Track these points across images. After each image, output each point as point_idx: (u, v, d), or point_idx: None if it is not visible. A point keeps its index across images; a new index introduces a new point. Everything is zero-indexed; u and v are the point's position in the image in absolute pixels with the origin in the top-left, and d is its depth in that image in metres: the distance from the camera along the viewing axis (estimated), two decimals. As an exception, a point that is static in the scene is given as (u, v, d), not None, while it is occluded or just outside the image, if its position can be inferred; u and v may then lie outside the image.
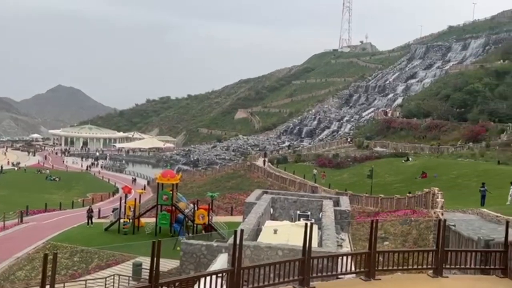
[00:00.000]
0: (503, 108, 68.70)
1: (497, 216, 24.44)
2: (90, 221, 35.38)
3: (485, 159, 52.49)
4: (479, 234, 16.84)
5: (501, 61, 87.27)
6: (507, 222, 10.64)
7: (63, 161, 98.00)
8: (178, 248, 19.35)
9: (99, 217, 39.24)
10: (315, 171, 58.12)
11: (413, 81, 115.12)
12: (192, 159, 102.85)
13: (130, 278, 21.11)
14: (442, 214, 24.44)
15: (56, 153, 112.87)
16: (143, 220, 33.80)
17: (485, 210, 27.09)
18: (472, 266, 10.32)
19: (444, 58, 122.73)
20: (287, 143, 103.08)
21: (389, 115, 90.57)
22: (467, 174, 45.66)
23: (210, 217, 31.99)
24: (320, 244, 15.65)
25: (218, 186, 60.39)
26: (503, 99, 71.81)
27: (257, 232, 17.73)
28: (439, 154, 61.96)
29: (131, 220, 32.35)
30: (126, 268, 23.20)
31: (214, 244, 17.18)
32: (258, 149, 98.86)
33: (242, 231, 8.50)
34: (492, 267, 10.13)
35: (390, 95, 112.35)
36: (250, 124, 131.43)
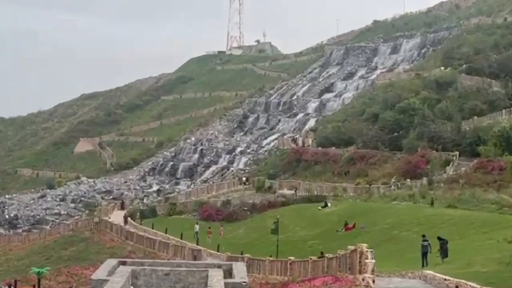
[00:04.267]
0: (446, 132, 72.20)
1: (445, 279, 26.05)
2: None
3: (427, 201, 54.78)
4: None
5: (442, 68, 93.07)
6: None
7: None
8: None
9: None
10: (197, 227, 58.15)
11: (329, 95, 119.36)
12: (7, 216, 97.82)
13: None
14: (374, 282, 25.51)
15: None
16: None
17: (429, 272, 28.70)
18: None
19: (369, 64, 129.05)
20: (155, 187, 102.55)
21: (299, 143, 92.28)
22: (405, 222, 47.73)
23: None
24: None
25: (50, 257, 58.19)
26: (447, 119, 75.74)
27: (109, 324, 17.15)
28: (368, 197, 63.87)
29: None
30: None
31: None
32: (111, 197, 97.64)
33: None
34: None
35: (300, 116, 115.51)
36: (99, 160, 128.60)
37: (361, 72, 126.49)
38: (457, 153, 67.59)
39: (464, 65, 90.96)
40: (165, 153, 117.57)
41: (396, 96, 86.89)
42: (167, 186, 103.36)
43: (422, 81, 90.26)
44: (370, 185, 68.37)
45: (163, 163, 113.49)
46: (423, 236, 34.90)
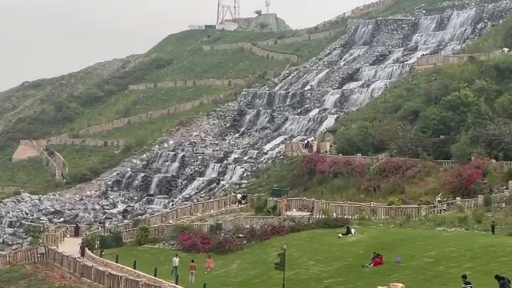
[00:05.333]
0: (510, 134, 72.37)
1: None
2: None
3: (485, 226, 55.35)
4: None
5: (504, 49, 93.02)
6: None
7: None
8: None
9: None
10: (176, 261, 58.24)
11: (353, 85, 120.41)
12: None
13: None
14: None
15: None
16: None
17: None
18: None
19: (407, 43, 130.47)
20: (121, 207, 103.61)
21: (314, 148, 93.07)
22: (454, 255, 48.00)
23: None
24: None
25: (-23, 302, 59.15)
26: (510, 118, 75.96)
27: None
28: (404, 221, 64.37)
29: None
30: None
31: None
32: (62, 220, 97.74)
33: None
34: None
35: (314, 112, 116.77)
36: (46, 170, 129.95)
37: (396, 54, 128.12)
38: (524, 161, 69.00)
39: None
40: (134, 161, 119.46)
41: (442, 86, 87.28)
42: (136, 205, 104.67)
43: (478, 67, 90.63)
44: (418, 205, 68.32)
45: (131, 174, 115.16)
46: (464, 277, 36.15)
